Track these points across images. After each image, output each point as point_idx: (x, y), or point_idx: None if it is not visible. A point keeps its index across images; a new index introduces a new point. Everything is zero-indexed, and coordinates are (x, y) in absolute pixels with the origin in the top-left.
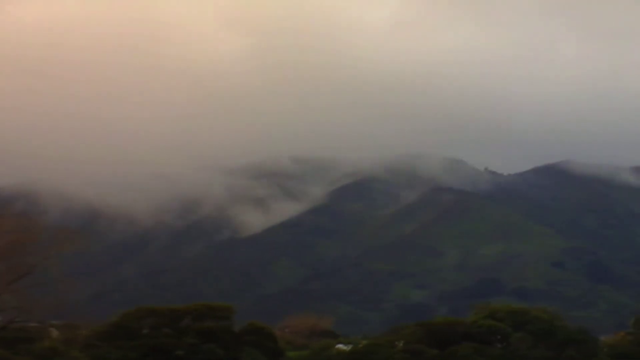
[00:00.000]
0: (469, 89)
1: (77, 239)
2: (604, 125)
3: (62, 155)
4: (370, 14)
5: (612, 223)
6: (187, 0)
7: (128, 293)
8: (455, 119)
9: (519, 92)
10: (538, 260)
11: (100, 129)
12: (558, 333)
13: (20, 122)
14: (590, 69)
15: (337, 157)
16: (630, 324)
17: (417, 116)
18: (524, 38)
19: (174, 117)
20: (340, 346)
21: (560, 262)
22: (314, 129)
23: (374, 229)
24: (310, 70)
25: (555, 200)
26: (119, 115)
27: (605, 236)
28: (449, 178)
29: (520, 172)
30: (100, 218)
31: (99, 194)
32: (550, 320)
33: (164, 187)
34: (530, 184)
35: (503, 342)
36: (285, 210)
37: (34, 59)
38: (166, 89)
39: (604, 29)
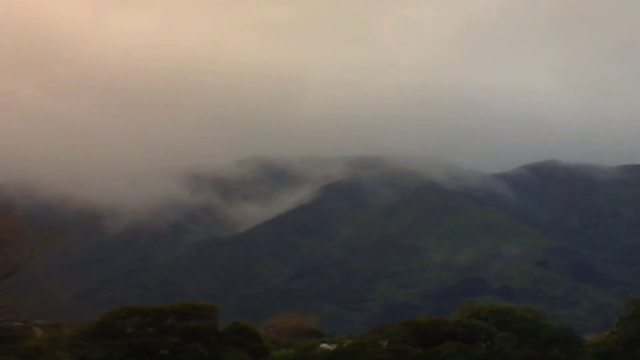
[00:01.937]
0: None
1: (60, 238)
2: (588, 125)
3: (47, 155)
4: None
5: (596, 223)
6: None
7: (112, 292)
8: (441, 119)
9: (506, 90)
10: (522, 260)
11: (80, 130)
12: (542, 332)
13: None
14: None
15: (321, 158)
16: (614, 323)
17: (404, 118)
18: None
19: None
20: (324, 345)
21: (544, 261)
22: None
23: (358, 228)
24: None
25: (540, 200)
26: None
27: (589, 236)
28: (434, 178)
29: (505, 172)
30: (85, 217)
31: (84, 193)
32: (534, 320)
33: (148, 187)
34: (515, 184)
35: (487, 341)
36: (270, 209)
37: None
38: None
39: None
